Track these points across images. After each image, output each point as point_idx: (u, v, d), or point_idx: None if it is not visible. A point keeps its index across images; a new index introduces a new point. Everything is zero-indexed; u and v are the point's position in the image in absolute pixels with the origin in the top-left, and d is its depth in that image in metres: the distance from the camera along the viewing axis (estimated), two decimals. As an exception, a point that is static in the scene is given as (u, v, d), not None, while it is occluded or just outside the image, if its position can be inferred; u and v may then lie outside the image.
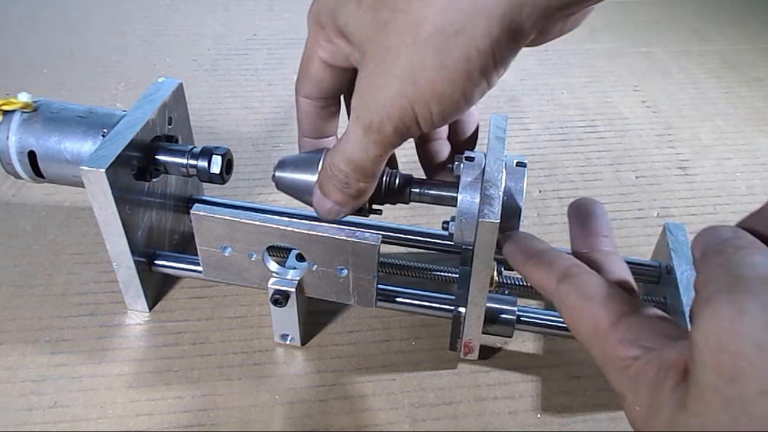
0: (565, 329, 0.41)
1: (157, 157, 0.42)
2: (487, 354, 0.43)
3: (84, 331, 0.43)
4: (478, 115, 0.38)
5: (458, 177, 0.36)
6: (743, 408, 0.19)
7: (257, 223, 0.37)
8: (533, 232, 0.37)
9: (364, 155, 0.30)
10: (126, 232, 0.40)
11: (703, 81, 0.73)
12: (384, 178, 0.37)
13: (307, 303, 0.42)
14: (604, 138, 0.64)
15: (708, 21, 0.85)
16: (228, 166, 0.42)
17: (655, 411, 0.23)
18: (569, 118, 0.66)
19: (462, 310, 0.38)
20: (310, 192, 0.35)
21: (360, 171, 0.31)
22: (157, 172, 0.43)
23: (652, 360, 0.24)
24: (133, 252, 0.41)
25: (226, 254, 0.39)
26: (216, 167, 0.41)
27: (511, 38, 0.26)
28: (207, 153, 0.41)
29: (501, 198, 0.34)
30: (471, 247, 0.35)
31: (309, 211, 0.47)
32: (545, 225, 0.54)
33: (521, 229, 0.36)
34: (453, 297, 0.41)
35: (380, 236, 0.37)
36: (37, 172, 0.43)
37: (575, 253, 0.32)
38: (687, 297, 0.40)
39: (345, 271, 0.38)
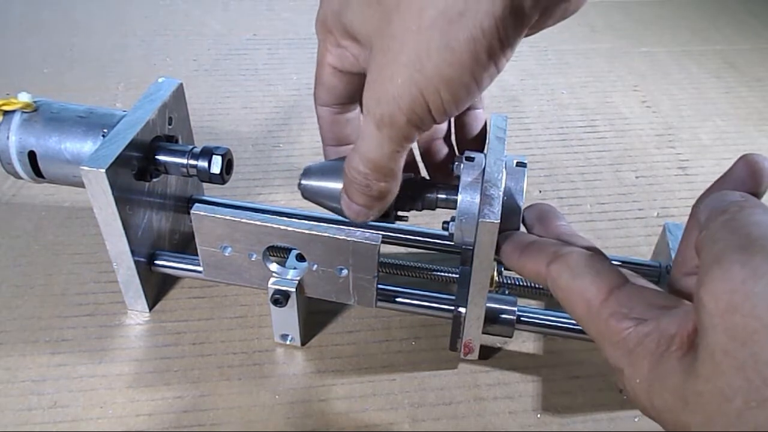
0: (565, 329, 0.41)
1: (157, 157, 0.42)
2: (487, 354, 0.43)
3: (84, 331, 0.43)
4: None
5: (458, 177, 0.36)
6: (757, 370, 0.19)
7: (257, 223, 0.37)
8: (533, 232, 0.37)
9: (380, 152, 0.30)
10: (126, 232, 0.40)
11: (703, 81, 0.73)
12: (407, 185, 0.37)
13: (307, 303, 0.42)
14: (604, 138, 0.64)
15: (708, 21, 0.85)
16: (228, 166, 0.42)
17: (660, 382, 0.23)
18: (569, 118, 0.66)
19: (462, 310, 0.38)
20: (334, 199, 0.35)
21: (378, 170, 0.31)
22: (157, 172, 0.43)
23: (650, 332, 0.24)
24: (133, 252, 0.41)
25: (227, 254, 0.39)
26: (216, 167, 0.41)
27: (515, 17, 0.26)
28: (207, 153, 0.41)
29: (501, 198, 0.34)
30: (471, 247, 0.35)
31: (309, 210, 0.47)
32: (545, 225, 0.54)
33: (521, 229, 0.36)
34: (453, 297, 0.41)
35: (380, 236, 0.37)
36: (37, 172, 0.43)
37: None
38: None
39: (345, 271, 0.38)
